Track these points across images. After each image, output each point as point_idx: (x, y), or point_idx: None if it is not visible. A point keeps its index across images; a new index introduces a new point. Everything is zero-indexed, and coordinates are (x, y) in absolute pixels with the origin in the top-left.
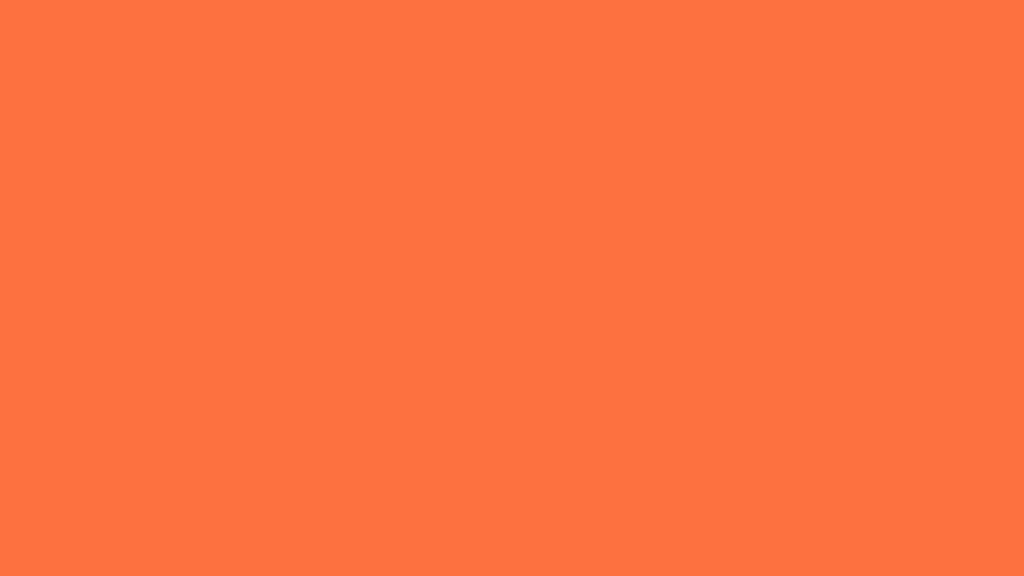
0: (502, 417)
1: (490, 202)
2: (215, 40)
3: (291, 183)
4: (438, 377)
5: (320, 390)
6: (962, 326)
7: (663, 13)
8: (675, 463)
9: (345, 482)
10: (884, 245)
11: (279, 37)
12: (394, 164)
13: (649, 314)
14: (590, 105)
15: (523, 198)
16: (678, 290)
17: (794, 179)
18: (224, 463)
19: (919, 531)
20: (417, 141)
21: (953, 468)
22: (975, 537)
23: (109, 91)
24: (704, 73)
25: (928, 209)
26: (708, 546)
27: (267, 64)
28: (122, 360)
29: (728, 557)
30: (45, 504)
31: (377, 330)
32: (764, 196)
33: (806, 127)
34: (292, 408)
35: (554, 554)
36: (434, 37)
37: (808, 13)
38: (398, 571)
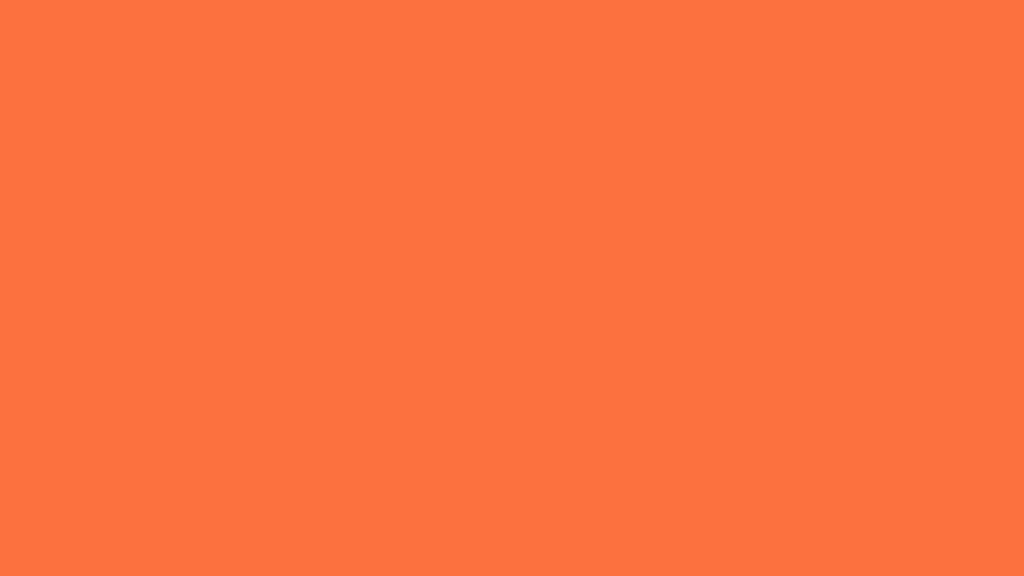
0: (502, 417)
1: (490, 202)
2: (215, 40)
3: (291, 183)
4: (438, 377)
5: (320, 390)
6: (962, 326)
7: (662, 13)
8: (675, 463)
9: (345, 482)
10: (884, 245)
11: (279, 37)
12: (394, 164)
13: (649, 314)
14: (590, 105)
15: (524, 199)
16: (678, 290)
17: (793, 179)
18: (224, 463)
19: (919, 531)
20: (417, 141)
21: (953, 468)
22: (975, 537)
23: (109, 91)
24: (704, 73)
25: (928, 209)
26: (708, 546)
27: (267, 64)
28: (122, 360)
29: (728, 557)
30: (45, 504)
31: (377, 330)
32: (764, 196)
33: (806, 127)
34: (292, 408)
35: (554, 554)
36: (434, 37)
37: (808, 13)
38: (398, 571)
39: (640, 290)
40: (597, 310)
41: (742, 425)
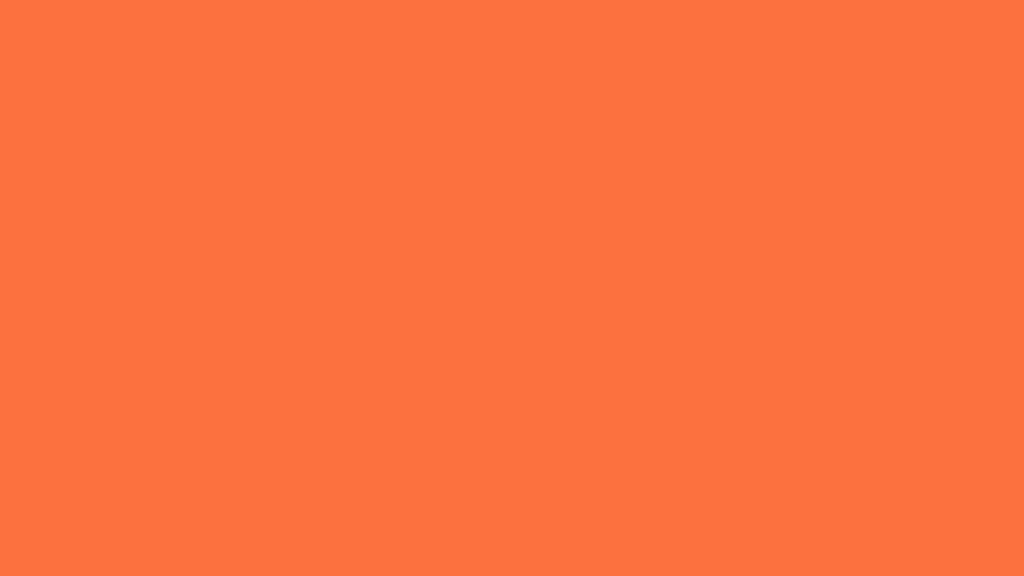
0: (502, 418)
1: (490, 202)
2: (215, 40)
3: (291, 183)
4: (438, 378)
5: (320, 391)
6: (962, 326)
7: (662, 14)
8: (675, 464)
9: (345, 483)
10: (884, 245)
11: (279, 37)
12: (394, 164)
13: (648, 315)
14: (590, 105)
15: (523, 199)
16: (678, 291)
17: (794, 180)
18: (224, 463)
19: (919, 531)
20: (417, 141)
21: (953, 468)
22: (975, 537)
23: (109, 91)
24: (704, 73)
25: (928, 209)
26: (708, 546)
27: (267, 64)
28: (122, 360)
29: (728, 557)
30: (45, 504)
31: (376, 331)
32: (764, 197)
33: (806, 127)
34: (292, 409)
35: (553, 555)
36: (434, 37)
37: (808, 13)
38: (398, 571)
39: (639, 290)
40: (596, 310)
41: (742, 426)
